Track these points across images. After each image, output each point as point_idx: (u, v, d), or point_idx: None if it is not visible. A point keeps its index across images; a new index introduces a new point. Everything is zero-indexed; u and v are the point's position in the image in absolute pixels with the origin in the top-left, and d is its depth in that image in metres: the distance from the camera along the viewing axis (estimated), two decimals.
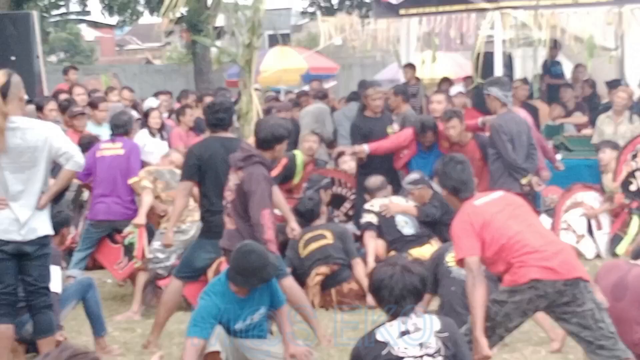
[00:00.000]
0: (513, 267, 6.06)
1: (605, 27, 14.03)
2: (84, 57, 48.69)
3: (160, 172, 10.18)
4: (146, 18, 31.48)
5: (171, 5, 11.69)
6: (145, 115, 13.37)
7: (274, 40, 26.77)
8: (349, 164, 11.87)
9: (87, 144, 10.65)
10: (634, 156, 11.91)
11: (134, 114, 12.70)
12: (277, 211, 8.05)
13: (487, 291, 6.14)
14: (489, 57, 13.99)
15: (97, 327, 8.04)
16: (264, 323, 7.10)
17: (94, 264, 10.91)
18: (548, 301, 6.06)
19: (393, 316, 5.41)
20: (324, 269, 9.58)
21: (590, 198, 11.90)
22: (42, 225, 6.93)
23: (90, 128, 12.45)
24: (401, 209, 10.33)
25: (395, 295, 5.36)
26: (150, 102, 14.87)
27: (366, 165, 11.17)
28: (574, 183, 12.01)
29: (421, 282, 5.45)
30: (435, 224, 10.39)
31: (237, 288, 6.81)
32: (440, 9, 14.24)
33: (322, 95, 14.80)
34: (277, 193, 8.08)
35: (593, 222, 11.80)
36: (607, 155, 12.06)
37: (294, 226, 8.08)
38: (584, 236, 11.73)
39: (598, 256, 11.58)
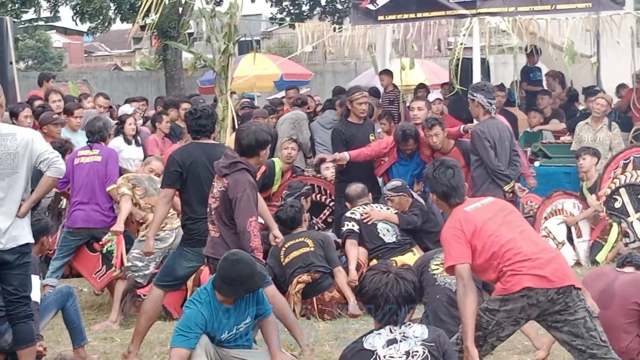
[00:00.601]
0: (505, 275, 5.98)
1: (583, 34, 14.01)
2: (53, 63, 48.44)
3: (139, 179, 10.06)
4: (115, 25, 31.22)
5: (151, 9, 11.59)
6: (121, 121, 13.22)
7: (244, 47, 26.64)
8: (331, 171, 11.80)
9: (58, 148, 10.50)
10: (617, 172, 11.94)
11: (110, 120, 12.56)
12: (259, 219, 7.94)
13: (477, 299, 6.08)
14: (466, 64, 13.94)
15: (77, 337, 7.90)
16: (249, 333, 6.99)
17: (70, 272, 10.79)
18: (540, 310, 6.00)
19: (381, 323, 5.35)
20: (305, 277, 9.49)
21: (570, 205, 11.89)
22: (23, 234, 6.82)
23: (65, 135, 12.29)
24: (382, 216, 10.26)
25: (391, 303, 5.31)
26: (126, 109, 14.73)
27: (346, 172, 11.07)
28: (553, 190, 12.00)
29: (414, 288, 5.44)
30: (416, 232, 10.34)
31: (224, 297, 6.70)
32: (419, 14, 14.18)
33: (301, 103, 14.70)
34: (261, 201, 7.97)
35: (573, 230, 11.81)
36: (587, 162, 12.04)
37: (277, 234, 7.94)
38: (564, 243, 11.74)
39: (578, 263, 11.61)
